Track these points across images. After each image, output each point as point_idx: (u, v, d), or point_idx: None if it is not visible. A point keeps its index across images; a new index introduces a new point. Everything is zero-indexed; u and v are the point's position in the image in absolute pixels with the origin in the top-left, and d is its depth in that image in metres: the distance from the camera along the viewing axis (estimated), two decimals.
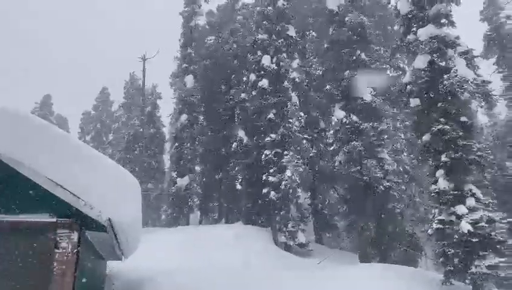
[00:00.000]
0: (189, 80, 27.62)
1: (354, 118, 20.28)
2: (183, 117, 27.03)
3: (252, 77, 24.08)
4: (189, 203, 25.89)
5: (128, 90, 44.42)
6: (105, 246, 7.99)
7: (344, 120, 20.57)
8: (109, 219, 6.47)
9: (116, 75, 49.05)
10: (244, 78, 25.05)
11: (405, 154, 24.24)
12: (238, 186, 27.23)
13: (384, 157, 20.00)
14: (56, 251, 6.26)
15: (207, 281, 11.52)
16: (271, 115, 22.39)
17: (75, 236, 6.40)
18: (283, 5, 24.12)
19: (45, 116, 43.06)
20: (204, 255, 15.88)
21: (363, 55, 21.22)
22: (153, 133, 35.55)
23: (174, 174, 26.41)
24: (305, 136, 22.95)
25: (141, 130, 31.83)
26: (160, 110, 37.22)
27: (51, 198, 6.27)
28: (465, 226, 12.53)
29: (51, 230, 6.33)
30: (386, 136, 20.94)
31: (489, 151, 15.71)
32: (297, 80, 23.47)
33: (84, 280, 6.91)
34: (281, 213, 20.91)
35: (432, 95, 15.00)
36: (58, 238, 6.31)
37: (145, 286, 10.59)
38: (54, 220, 6.35)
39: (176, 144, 26.78)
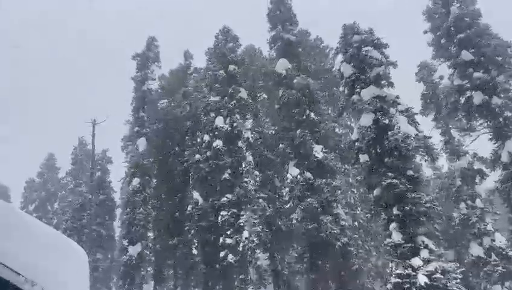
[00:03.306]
0: (142, 143, 27.25)
1: (308, 175, 20.64)
2: (135, 181, 26.22)
3: (206, 137, 24.21)
4: (142, 272, 24.34)
5: (76, 156, 42.82)
6: None
7: (298, 177, 20.87)
8: None
9: (64, 141, 47.23)
10: (198, 140, 25.12)
11: (359, 209, 24.70)
12: (194, 251, 26.15)
13: (339, 212, 20.24)
14: None
15: None
16: (226, 175, 22.32)
17: None
18: (234, 69, 25.09)
19: None
20: None
21: (312, 115, 22.14)
22: (103, 200, 34.03)
23: (125, 242, 24.98)
24: (261, 195, 22.92)
25: (90, 196, 30.35)
26: (110, 175, 36.04)
27: None
28: (421, 278, 12.69)
29: None
30: (339, 192, 21.37)
31: (436, 202, 16.41)
32: (251, 139, 23.86)
33: None
34: (240, 277, 20.16)
35: (379, 151, 15.76)
36: None
37: None
38: None
39: (128, 209, 25.64)
